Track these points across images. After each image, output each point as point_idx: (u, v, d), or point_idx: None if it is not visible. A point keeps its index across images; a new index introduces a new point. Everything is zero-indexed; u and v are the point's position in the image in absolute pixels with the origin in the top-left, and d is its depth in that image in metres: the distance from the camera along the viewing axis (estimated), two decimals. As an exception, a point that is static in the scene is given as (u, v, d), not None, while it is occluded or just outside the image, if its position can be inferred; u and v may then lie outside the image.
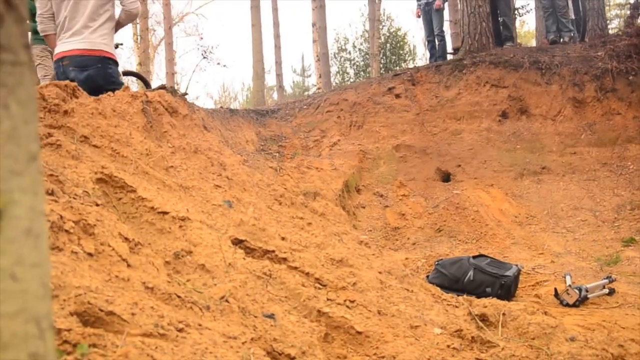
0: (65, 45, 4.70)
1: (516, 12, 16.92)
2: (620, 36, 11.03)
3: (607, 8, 17.59)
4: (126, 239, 2.25)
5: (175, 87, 18.40)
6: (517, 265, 5.11)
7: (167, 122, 3.70)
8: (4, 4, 0.73)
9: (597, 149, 8.67)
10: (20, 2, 0.76)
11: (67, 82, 3.19)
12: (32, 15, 8.07)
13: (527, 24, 35.64)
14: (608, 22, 16.97)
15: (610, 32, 14.63)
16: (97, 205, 2.30)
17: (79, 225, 2.03)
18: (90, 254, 1.96)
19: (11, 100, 0.73)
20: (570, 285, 4.77)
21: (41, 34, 4.91)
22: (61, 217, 1.95)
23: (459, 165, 8.87)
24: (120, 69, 4.97)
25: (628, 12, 13.72)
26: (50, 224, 1.87)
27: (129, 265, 2.09)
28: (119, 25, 4.88)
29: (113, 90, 3.94)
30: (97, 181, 2.55)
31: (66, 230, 1.94)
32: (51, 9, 4.76)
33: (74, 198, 2.22)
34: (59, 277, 1.63)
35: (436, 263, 5.28)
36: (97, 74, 4.63)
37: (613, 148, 8.61)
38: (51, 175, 2.30)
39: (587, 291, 4.71)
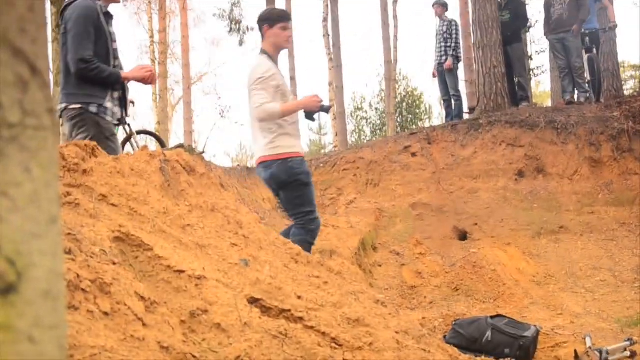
0: (256, 153, 5.42)
1: (531, 72, 17.07)
2: (635, 97, 11.08)
3: (621, 69, 17.70)
4: (142, 297, 2.25)
5: (193, 146, 18.58)
6: (535, 325, 5.04)
7: (184, 181, 3.73)
8: (28, 70, 0.76)
9: (615, 208, 8.61)
10: (44, 68, 0.79)
11: (86, 141, 3.24)
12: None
13: (542, 84, 35.81)
14: (623, 83, 17.07)
15: (626, 93, 14.70)
16: (114, 263, 2.31)
17: (95, 284, 2.03)
18: (106, 313, 1.96)
19: (33, 164, 0.74)
20: (590, 347, 4.68)
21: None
22: (78, 275, 1.97)
23: (476, 224, 8.83)
24: (139, 128, 5.04)
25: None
26: (67, 283, 1.88)
27: (144, 325, 2.09)
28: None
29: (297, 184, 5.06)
30: (115, 240, 2.57)
31: (82, 289, 1.95)
32: None
33: (91, 257, 2.23)
34: (74, 337, 1.63)
35: (453, 323, 5.22)
36: (278, 171, 5.12)
37: (631, 208, 8.56)
38: (69, 234, 2.32)
39: (608, 354, 4.62)
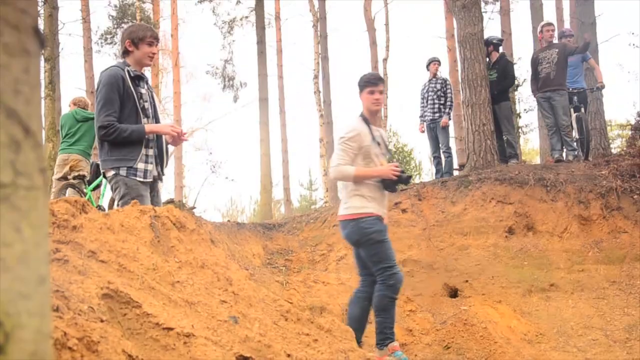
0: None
1: (520, 130, 17.26)
2: (623, 156, 11.19)
3: (609, 128, 17.93)
4: (130, 356, 2.22)
5: (184, 201, 18.56)
6: (527, 385, 4.99)
7: (174, 237, 3.72)
8: (21, 131, 0.76)
9: (605, 266, 8.61)
10: (37, 128, 0.79)
11: (77, 197, 3.24)
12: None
13: (531, 142, 36.15)
14: (610, 141, 17.27)
15: (613, 151, 14.86)
16: (102, 321, 2.29)
17: (82, 342, 2.01)
18: (92, 372, 1.93)
19: (24, 224, 0.74)
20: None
21: None
22: (65, 334, 1.94)
23: (467, 281, 8.80)
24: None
25: (629, 132, 13.97)
26: (54, 342, 1.85)
27: (131, 384, 2.06)
28: None
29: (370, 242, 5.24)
30: (103, 296, 2.55)
31: (69, 348, 1.92)
32: None
33: (79, 314, 2.21)
34: (60, 397, 1.61)
35: (445, 382, 5.17)
36: (351, 231, 5.38)
37: (621, 266, 8.55)
38: (57, 291, 2.30)
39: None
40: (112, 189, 5.10)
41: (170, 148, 5.79)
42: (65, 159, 9.29)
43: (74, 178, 8.93)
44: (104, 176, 5.14)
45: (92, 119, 9.27)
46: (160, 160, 5.28)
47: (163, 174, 5.41)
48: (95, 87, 5.07)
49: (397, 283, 5.29)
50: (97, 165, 9.12)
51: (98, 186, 9.03)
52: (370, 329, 5.84)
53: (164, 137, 5.27)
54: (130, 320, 2.60)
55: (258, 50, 21.90)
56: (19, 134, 0.75)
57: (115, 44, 24.39)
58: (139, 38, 5.25)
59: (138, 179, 5.05)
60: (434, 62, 13.45)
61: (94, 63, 20.75)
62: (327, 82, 23.31)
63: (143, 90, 5.23)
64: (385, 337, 5.16)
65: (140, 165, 5.06)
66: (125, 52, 5.25)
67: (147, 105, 5.22)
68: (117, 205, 5.03)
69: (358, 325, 5.39)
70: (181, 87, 27.73)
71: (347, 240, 5.47)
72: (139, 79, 5.20)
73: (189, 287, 3.32)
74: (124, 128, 4.94)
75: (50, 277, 0.77)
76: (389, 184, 5.41)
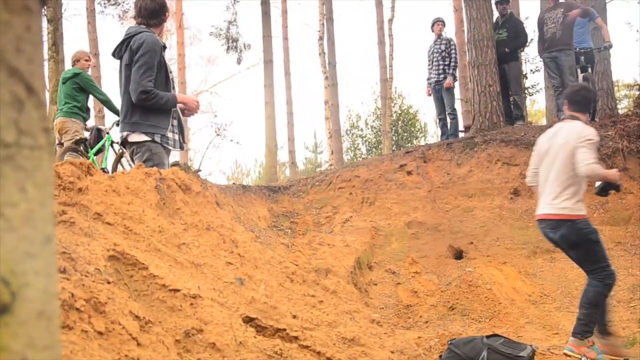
0: (540, 209, 5.53)
1: (526, 91, 17.14)
2: (630, 116, 11.12)
3: (616, 88, 17.79)
4: (137, 317, 2.24)
5: (189, 164, 18.58)
6: (531, 345, 5.02)
7: (180, 199, 3.73)
8: (24, 90, 0.75)
9: (610, 227, 8.61)
10: (40, 87, 0.79)
11: (82, 160, 3.24)
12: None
13: (537, 103, 35.95)
14: (617, 102, 17.14)
15: (620, 112, 14.77)
16: (109, 282, 2.30)
17: (89, 303, 2.02)
18: (100, 333, 1.95)
19: (28, 184, 0.74)
20: (587, 367, 4.67)
21: (528, 185, 6.05)
22: (72, 295, 1.96)
23: (472, 243, 8.81)
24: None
25: (637, 92, 13.86)
26: (61, 303, 1.86)
27: (139, 344, 2.08)
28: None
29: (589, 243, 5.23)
30: (109, 258, 2.56)
31: (77, 309, 1.94)
32: (537, 167, 5.65)
33: (86, 276, 2.22)
34: (68, 357, 1.62)
35: (449, 342, 5.20)
36: (568, 232, 5.27)
37: (626, 227, 8.55)
38: (64, 252, 2.31)
39: (604, 373, 4.61)
40: (133, 152, 5.11)
41: None
42: (55, 124, 9.26)
43: (75, 143, 8.91)
44: (126, 141, 5.13)
45: (71, 77, 9.22)
46: (181, 130, 5.34)
47: (184, 143, 5.47)
48: (133, 48, 5.06)
49: (613, 283, 5.33)
50: (99, 129, 9.09)
51: (100, 150, 9.00)
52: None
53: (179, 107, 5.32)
54: (136, 282, 2.62)
55: (262, 10, 21.69)
56: (22, 92, 0.74)
57: (119, 4, 24.17)
58: (168, 12, 5.40)
59: (170, 147, 5.15)
60: (437, 23, 13.31)
61: (97, 25, 20.59)
62: (332, 43, 23.12)
63: (167, 61, 5.32)
64: (587, 330, 5.16)
65: (170, 135, 5.16)
66: (159, 23, 5.30)
67: (172, 76, 5.33)
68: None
69: (604, 313, 5.42)
70: (185, 49, 27.58)
71: (561, 241, 5.37)
72: (164, 48, 5.29)
73: (194, 249, 3.34)
74: (162, 95, 5.01)
75: (55, 238, 0.76)
76: (607, 188, 5.51)
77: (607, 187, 5.45)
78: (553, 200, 5.33)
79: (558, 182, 5.35)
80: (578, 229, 5.22)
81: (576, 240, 5.25)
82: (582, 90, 5.79)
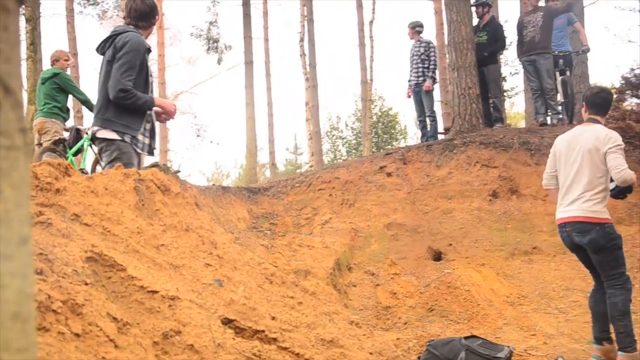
0: (565, 212, 5.48)
1: (505, 93, 17.26)
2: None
3: (593, 91, 17.93)
4: (114, 318, 2.23)
5: (168, 165, 18.50)
6: (509, 346, 5.06)
7: (159, 201, 3.72)
8: (1, 90, 0.75)
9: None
10: (17, 87, 0.78)
11: (60, 160, 3.22)
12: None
13: (516, 106, 36.21)
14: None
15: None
16: (86, 284, 2.29)
17: (66, 305, 2.01)
18: (77, 335, 1.94)
19: (5, 185, 0.74)
20: (563, 368, 4.71)
21: (545, 187, 5.99)
22: (49, 296, 1.94)
23: (451, 244, 8.86)
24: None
25: (614, 95, 13.98)
26: (37, 304, 1.85)
27: (116, 346, 2.07)
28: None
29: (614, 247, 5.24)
30: (87, 260, 2.55)
31: (53, 310, 1.93)
32: (555, 170, 5.66)
33: (63, 277, 2.21)
34: (44, 359, 1.61)
35: (428, 344, 5.22)
36: (598, 236, 5.25)
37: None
38: (41, 254, 2.30)
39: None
40: (102, 149, 5.07)
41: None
42: (34, 125, 9.20)
43: (54, 143, 8.84)
44: (95, 136, 5.10)
45: (51, 77, 9.17)
46: (152, 134, 5.32)
47: (154, 148, 5.45)
48: (117, 46, 5.03)
49: (632, 286, 5.33)
50: (78, 129, 9.03)
51: (79, 150, 8.94)
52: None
53: (153, 112, 5.30)
54: (114, 283, 2.61)
55: (243, 12, 21.69)
56: (-2, 93, 0.74)
57: (98, 4, 24.03)
58: (158, 15, 5.40)
59: (138, 150, 5.11)
60: (409, 29, 13.38)
61: (76, 24, 20.46)
62: (312, 45, 23.14)
63: (149, 64, 5.32)
64: (632, 340, 5.12)
65: (141, 137, 5.12)
66: (148, 26, 5.31)
67: (152, 80, 5.32)
68: (104, 167, 5.03)
69: (607, 321, 5.40)
70: (165, 49, 27.47)
71: (589, 245, 5.30)
72: (149, 51, 5.28)
73: (173, 250, 3.33)
74: (140, 96, 4.99)
75: (32, 239, 0.76)
76: (624, 192, 5.51)
77: (625, 191, 5.47)
78: (583, 204, 5.31)
79: (588, 185, 5.32)
80: (607, 233, 5.23)
81: (604, 244, 5.22)
82: (602, 92, 5.75)
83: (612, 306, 5.19)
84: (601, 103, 5.64)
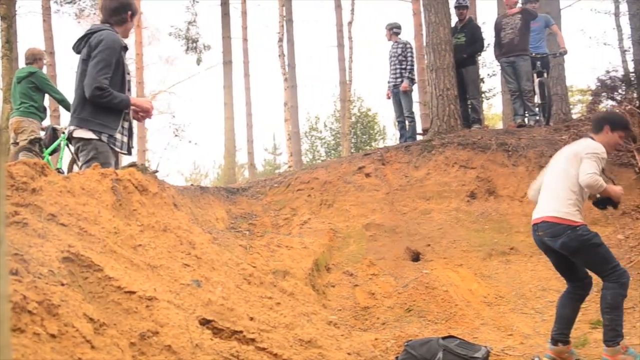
0: (536, 213, 5.52)
1: (483, 95, 17.35)
2: (583, 121, 11.36)
3: (570, 93, 18.13)
4: (91, 319, 2.21)
5: (146, 165, 18.40)
6: (486, 346, 5.09)
7: (136, 201, 3.69)
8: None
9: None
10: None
11: (36, 160, 3.19)
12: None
13: (494, 107, 36.44)
14: (571, 107, 17.47)
15: (574, 116, 15.06)
16: (63, 285, 2.27)
17: (42, 305, 1.99)
18: (53, 336, 1.92)
19: (-21, 185, 0.73)
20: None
21: (529, 199, 6.10)
22: (24, 297, 1.93)
23: (429, 245, 8.89)
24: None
25: (590, 97, 14.13)
26: (13, 305, 1.83)
27: (93, 347, 2.05)
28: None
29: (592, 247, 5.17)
30: (64, 260, 2.52)
31: (29, 311, 1.91)
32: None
33: (39, 278, 2.19)
34: (20, 360, 1.60)
35: (405, 344, 5.24)
36: (569, 239, 5.21)
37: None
38: (16, 254, 2.27)
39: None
40: (78, 149, 5.04)
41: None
42: (10, 124, 9.12)
43: (30, 142, 8.76)
44: (71, 135, 5.07)
45: (27, 76, 9.10)
46: (130, 133, 5.30)
47: (132, 147, 5.43)
48: (92, 45, 4.99)
49: (628, 280, 5.26)
50: (54, 129, 8.95)
51: (56, 150, 8.86)
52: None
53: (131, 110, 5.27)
54: (91, 283, 2.59)
55: (222, 11, 21.65)
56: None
57: (75, 3, 23.81)
58: (135, 11, 5.34)
59: (116, 148, 5.08)
60: (387, 30, 13.47)
61: (52, 23, 20.26)
62: (291, 45, 23.15)
63: (126, 62, 5.28)
64: (617, 335, 5.10)
65: (118, 136, 5.09)
66: (121, 22, 5.23)
67: (129, 78, 5.29)
68: (81, 167, 5.00)
69: (568, 324, 5.42)
70: (143, 48, 27.30)
71: (562, 249, 5.29)
72: (125, 49, 5.24)
73: (151, 250, 3.31)
74: (116, 95, 4.95)
75: (7, 239, 0.75)
76: (605, 203, 5.51)
77: (605, 202, 5.48)
78: (554, 204, 5.33)
79: (560, 188, 5.35)
80: (578, 235, 5.19)
81: (578, 246, 5.20)
82: (601, 114, 5.80)
83: (602, 298, 5.21)
84: (595, 121, 5.71)
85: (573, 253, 5.28)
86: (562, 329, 5.42)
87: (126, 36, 5.43)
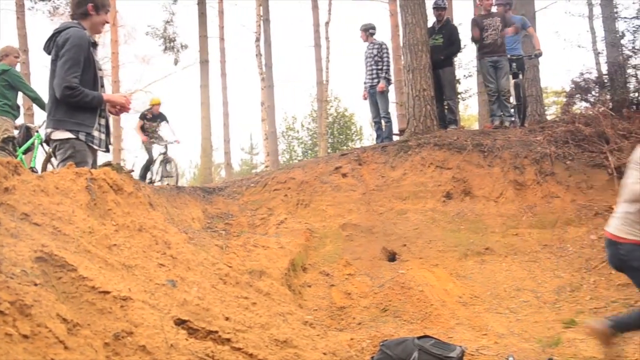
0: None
1: (460, 96, 17.45)
2: (557, 122, 11.47)
3: (544, 95, 18.29)
4: (64, 319, 2.19)
5: (122, 164, 18.28)
6: (461, 346, 5.12)
7: (111, 200, 3.67)
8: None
9: (538, 230, 8.84)
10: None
11: (9, 158, 3.16)
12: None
13: (470, 108, 36.67)
14: (546, 108, 17.63)
15: (548, 118, 15.20)
16: (36, 285, 2.25)
17: (14, 305, 1.98)
18: (25, 336, 1.90)
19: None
20: (514, 367, 4.78)
21: None
22: (-3, 297, 1.91)
23: (405, 245, 8.92)
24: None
25: (564, 99, 14.27)
26: (-15, 305, 1.82)
27: (66, 348, 2.04)
28: None
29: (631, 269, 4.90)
30: (37, 260, 2.50)
31: (1, 312, 1.89)
32: None
33: (11, 278, 2.17)
34: (-9, 361, 1.58)
35: (381, 344, 5.26)
36: (611, 254, 5.04)
37: (553, 230, 8.79)
38: (-12, 254, 2.25)
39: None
40: (56, 148, 5.00)
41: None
42: None
43: (3, 141, 8.66)
44: (49, 137, 5.02)
45: (0, 74, 9.00)
46: (107, 130, 5.26)
47: (110, 144, 5.39)
48: (59, 44, 4.93)
49: None
50: (28, 127, 8.87)
51: (29, 149, 8.78)
52: None
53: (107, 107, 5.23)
54: (65, 283, 2.57)
55: (199, 11, 21.57)
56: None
57: (50, 0, 23.57)
58: (102, 4, 5.22)
59: (95, 146, 5.06)
60: (361, 31, 13.53)
61: (26, 20, 20.06)
62: (268, 45, 23.14)
63: (97, 58, 5.22)
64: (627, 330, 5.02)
65: (96, 134, 5.06)
66: (84, 15, 5.15)
67: (101, 74, 5.22)
68: (58, 165, 4.97)
69: (630, 327, 5.19)
70: (119, 47, 27.11)
71: (609, 262, 5.16)
72: (95, 45, 5.17)
73: (126, 250, 3.29)
74: (87, 93, 4.91)
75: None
76: None
77: None
78: (629, 227, 4.98)
79: (620, 200, 5.14)
80: (619, 253, 4.99)
81: (619, 264, 5.05)
82: None
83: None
84: None
85: (618, 269, 5.19)
86: (626, 324, 5.26)
87: (96, 31, 5.36)
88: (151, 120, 15.02)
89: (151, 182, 14.78)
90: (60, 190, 3.33)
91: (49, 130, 5.00)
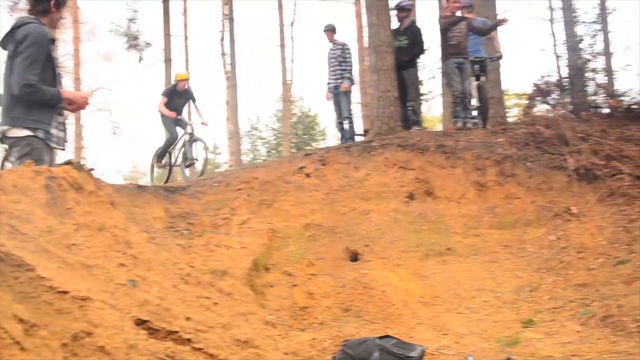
0: None
1: (423, 97, 17.57)
2: (518, 124, 11.64)
3: (506, 97, 18.53)
4: (21, 320, 2.17)
5: (83, 162, 18.05)
6: (422, 346, 5.16)
7: (71, 199, 3.63)
8: None
9: (499, 231, 8.94)
10: None
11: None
12: None
13: (433, 109, 36.97)
14: (507, 110, 17.85)
15: (509, 120, 15.39)
16: (-8, 284, 2.22)
17: (-30, 306, 1.94)
18: (-19, 337, 1.87)
19: None
20: (474, 366, 4.83)
21: None
22: (-48, 297, 1.87)
23: (367, 245, 8.94)
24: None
25: (525, 101, 14.47)
26: (-61, 305, 1.79)
27: (22, 349, 2.01)
28: None
29: None
30: (-7, 259, 2.46)
31: (-44, 312, 1.86)
32: None
33: (-33, 277, 2.13)
34: (-55, 362, 1.55)
35: (343, 344, 5.27)
36: None
37: (513, 231, 8.90)
38: (-57, 253, 2.21)
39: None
40: (12, 145, 4.93)
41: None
42: None
43: None
44: (4, 135, 4.95)
45: None
46: (64, 127, 5.20)
47: (66, 142, 5.33)
48: (18, 39, 4.84)
49: None
50: None
51: None
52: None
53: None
54: (22, 283, 2.53)
55: (163, 9, 21.43)
56: None
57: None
58: (63, 1, 5.18)
59: (53, 144, 5.01)
60: (327, 31, 13.56)
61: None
62: (233, 44, 23.07)
63: (56, 55, 5.16)
64: None
65: (54, 132, 5.01)
66: (44, 12, 5.08)
67: (59, 71, 5.17)
68: (14, 163, 4.89)
69: None
70: (81, 44, 26.77)
71: None
72: (53, 42, 5.09)
73: (86, 250, 3.26)
74: (46, 90, 4.86)
75: None
76: None
77: None
78: None
79: None
80: None
81: None
82: None
83: None
84: None
85: None
86: None
87: (55, 27, 5.30)
88: (178, 97, 14.17)
89: (170, 166, 14.28)
90: (19, 188, 3.28)
91: (5, 127, 4.92)
